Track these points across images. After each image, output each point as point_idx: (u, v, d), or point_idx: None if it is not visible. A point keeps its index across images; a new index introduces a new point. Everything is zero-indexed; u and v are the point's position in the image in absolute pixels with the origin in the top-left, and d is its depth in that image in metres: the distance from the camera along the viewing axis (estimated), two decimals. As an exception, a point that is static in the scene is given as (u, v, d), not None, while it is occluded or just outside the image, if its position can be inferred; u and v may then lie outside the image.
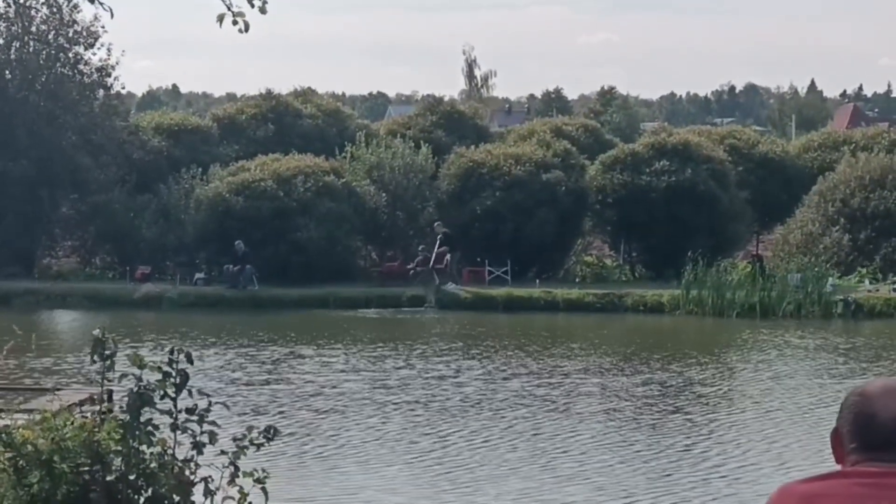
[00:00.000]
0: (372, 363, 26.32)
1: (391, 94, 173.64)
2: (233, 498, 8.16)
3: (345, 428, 18.93)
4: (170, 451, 8.20)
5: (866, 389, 3.13)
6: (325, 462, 16.74)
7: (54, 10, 45.18)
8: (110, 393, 10.15)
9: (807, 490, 3.05)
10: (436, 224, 42.14)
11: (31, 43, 45.35)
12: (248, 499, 8.18)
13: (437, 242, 41.46)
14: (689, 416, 20.22)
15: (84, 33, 45.39)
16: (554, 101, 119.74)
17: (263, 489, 8.13)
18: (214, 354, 27.05)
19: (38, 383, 19.43)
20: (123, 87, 48.24)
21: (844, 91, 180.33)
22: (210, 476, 8.15)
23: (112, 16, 7.87)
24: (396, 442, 18.04)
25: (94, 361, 8.35)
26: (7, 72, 45.30)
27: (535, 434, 18.61)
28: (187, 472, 8.17)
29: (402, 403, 21.17)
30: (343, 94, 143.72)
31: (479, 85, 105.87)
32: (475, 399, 21.75)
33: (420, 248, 42.29)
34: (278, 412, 20.09)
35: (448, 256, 41.04)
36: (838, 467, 3.13)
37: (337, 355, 27.64)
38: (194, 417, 8.12)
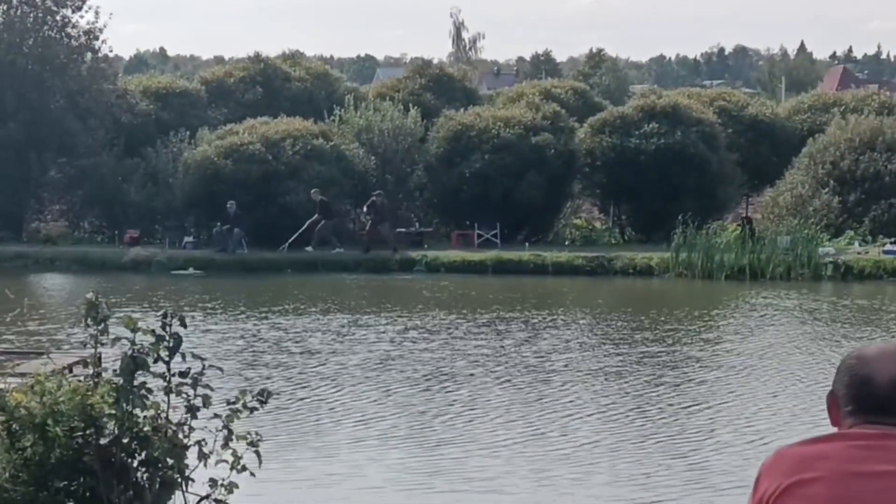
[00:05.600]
0: (385, 330, 26.17)
1: (380, 56, 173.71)
2: (226, 461, 8.20)
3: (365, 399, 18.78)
4: (163, 415, 8.22)
5: (863, 352, 3.15)
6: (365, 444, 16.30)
7: (41, -28, 44.95)
8: (100, 356, 10.15)
9: (803, 452, 3.07)
10: (312, 192, 40.42)
11: (19, 6, 45.09)
12: (242, 462, 8.22)
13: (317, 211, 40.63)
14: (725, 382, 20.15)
15: (71, -4, 45.15)
16: (543, 64, 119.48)
17: (257, 452, 8.16)
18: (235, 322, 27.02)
19: (30, 346, 19.42)
20: (111, 51, 48.02)
21: (834, 53, 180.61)
22: (204, 439, 8.18)
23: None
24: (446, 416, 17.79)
25: (88, 325, 8.35)
26: (-6, 35, 45.10)
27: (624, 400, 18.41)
28: (181, 436, 8.19)
29: (410, 375, 21.02)
30: (332, 57, 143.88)
31: (467, 47, 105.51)
32: (481, 367, 21.63)
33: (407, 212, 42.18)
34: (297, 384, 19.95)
35: (323, 223, 40.44)
36: (834, 430, 3.15)
37: (340, 320, 27.58)
38: (188, 381, 8.15)
